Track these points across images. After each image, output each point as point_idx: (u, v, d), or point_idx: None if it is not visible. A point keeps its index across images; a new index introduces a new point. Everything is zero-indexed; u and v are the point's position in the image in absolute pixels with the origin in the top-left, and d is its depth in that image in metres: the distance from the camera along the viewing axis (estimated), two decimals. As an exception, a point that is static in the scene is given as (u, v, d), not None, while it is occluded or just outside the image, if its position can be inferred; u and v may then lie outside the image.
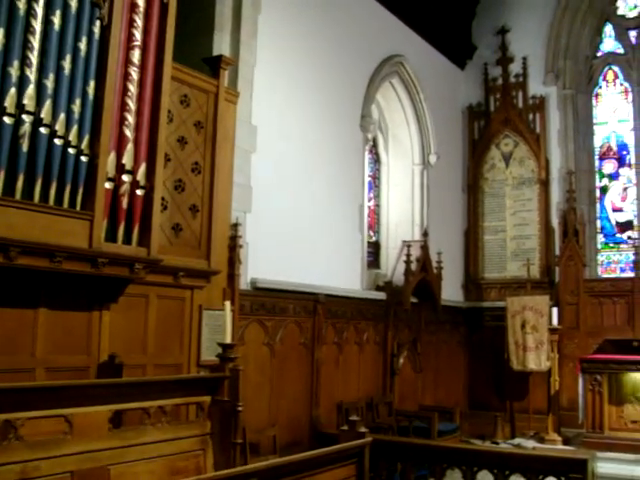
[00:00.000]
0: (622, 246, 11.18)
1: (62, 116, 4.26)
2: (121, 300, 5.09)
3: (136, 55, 4.84)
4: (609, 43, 11.64)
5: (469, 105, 12.04)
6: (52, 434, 3.80)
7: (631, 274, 10.60)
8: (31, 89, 4.08)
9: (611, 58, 11.59)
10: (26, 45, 4.05)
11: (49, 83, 4.18)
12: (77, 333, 4.83)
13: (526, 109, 11.55)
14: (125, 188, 4.72)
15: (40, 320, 4.57)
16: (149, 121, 4.93)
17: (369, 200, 9.90)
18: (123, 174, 4.71)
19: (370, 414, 8.35)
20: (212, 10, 6.79)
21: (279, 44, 7.59)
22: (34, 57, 4.10)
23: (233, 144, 6.57)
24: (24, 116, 4.02)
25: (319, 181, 8.18)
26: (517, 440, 9.64)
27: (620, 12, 11.60)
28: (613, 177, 11.40)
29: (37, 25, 4.12)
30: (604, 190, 11.43)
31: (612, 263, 11.22)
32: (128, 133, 4.76)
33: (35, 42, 4.10)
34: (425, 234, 9.76)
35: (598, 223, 11.35)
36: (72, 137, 4.33)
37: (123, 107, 4.74)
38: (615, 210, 11.31)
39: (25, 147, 4.04)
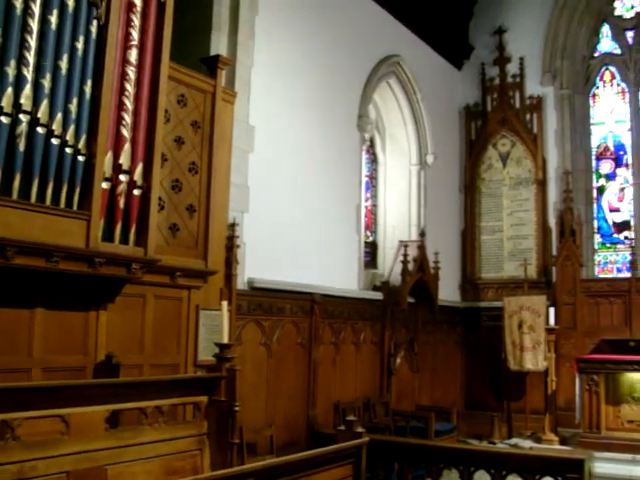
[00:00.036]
0: (619, 246, 11.20)
1: (59, 116, 4.26)
2: (118, 300, 5.08)
3: (133, 54, 4.84)
4: (606, 43, 11.66)
5: (466, 105, 12.04)
6: (49, 434, 3.79)
7: (628, 274, 10.63)
8: (28, 88, 4.07)
9: (608, 58, 11.60)
10: (23, 44, 4.05)
11: (46, 82, 4.18)
12: (74, 333, 4.82)
13: (523, 109, 11.56)
14: (122, 188, 4.72)
15: (37, 320, 4.56)
16: (146, 121, 4.93)
17: (366, 200, 9.90)
18: (120, 174, 4.71)
19: (367, 414, 8.36)
20: (209, 10, 6.80)
21: (276, 44, 7.58)
22: (31, 56, 4.09)
23: (230, 144, 6.56)
24: (21, 116, 4.02)
25: (316, 181, 8.18)
26: (514, 440, 9.64)
27: (617, 12, 11.63)
28: (610, 177, 11.42)
29: (34, 24, 4.11)
30: (601, 190, 11.45)
31: (609, 263, 11.24)
32: (125, 133, 4.75)
33: (32, 41, 4.10)
34: (422, 234, 9.76)
35: (595, 223, 11.38)
36: (69, 137, 4.32)
37: (120, 107, 4.74)
38: (612, 210, 11.33)
39: (22, 147, 4.03)
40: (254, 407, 6.68)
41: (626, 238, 11.10)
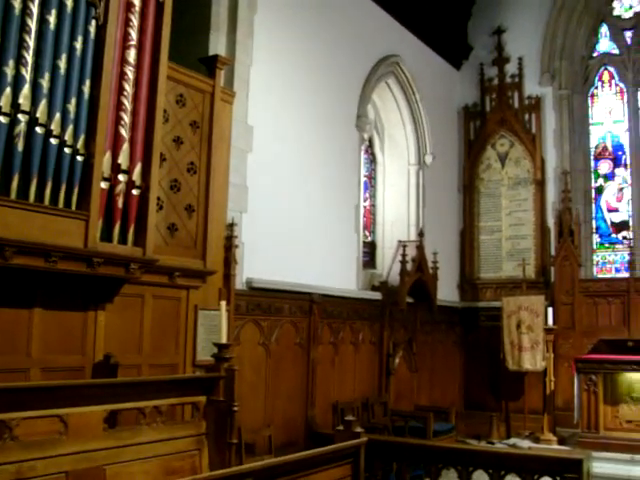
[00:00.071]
0: (617, 246, 11.20)
1: (58, 115, 4.26)
2: (116, 300, 5.08)
3: (132, 54, 4.84)
4: (605, 44, 11.65)
5: (465, 105, 12.05)
6: (47, 434, 3.79)
7: (626, 274, 10.62)
8: (26, 88, 4.07)
9: (607, 59, 11.60)
10: (21, 44, 4.05)
11: (45, 82, 4.17)
12: (72, 333, 4.82)
13: (522, 109, 11.56)
14: (121, 188, 4.72)
15: (35, 320, 4.56)
16: (145, 121, 4.93)
17: (365, 200, 9.90)
18: (119, 174, 4.71)
19: (366, 414, 8.36)
20: (208, 10, 6.79)
21: (275, 44, 7.58)
22: (29, 56, 4.09)
23: (229, 144, 6.56)
24: (19, 115, 4.02)
25: (315, 181, 8.18)
26: (512, 440, 9.66)
27: (616, 13, 11.63)
28: (608, 177, 11.43)
29: (33, 24, 4.11)
30: (599, 190, 11.45)
31: (607, 263, 11.24)
32: (124, 133, 4.75)
33: (31, 41, 4.10)
34: (421, 234, 9.77)
35: (593, 223, 11.37)
36: (68, 136, 4.32)
37: (119, 106, 4.73)
38: (610, 210, 11.33)
39: (20, 147, 4.03)
40: (252, 407, 6.68)
41: (624, 238, 11.10)
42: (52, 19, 4.22)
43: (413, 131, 10.58)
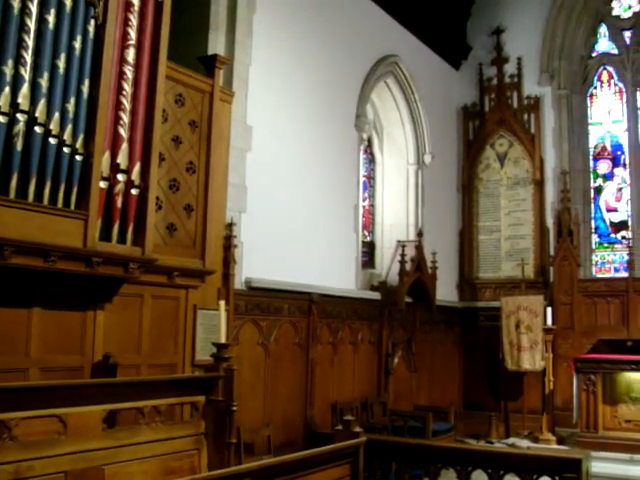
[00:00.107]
0: (616, 246, 11.21)
1: (56, 115, 4.25)
2: (115, 300, 5.08)
3: (131, 54, 4.84)
4: (604, 43, 11.66)
5: (464, 105, 12.05)
6: (46, 434, 3.79)
7: (625, 274, 10.61)
8: (25, 88, 4.07)
9: (606, 58, 11.60)
10: (20, 44, 4.05)
11: (44, 82, 4.17)
12: (71, 333, 4.81)
13: (521, 109, 11.56)
14: (120, 187, 4.71)
15: (34, 320, 4.56)
16: (144, 120, 4.92)
17: (364, 200, 9.90)
18: (118, 173, 4.70)
19: (364, 414, 8.35)
20: (207, 9, 6.79)
21: (274, 44, 7.58)
22: (28, 56, 4.09)
23: (228, 144, 6.56)
24: (18, 115, 4.02)
25: (314, 181, 8.18)
26: (511, 440, 9.66)
27: (615, 12, 11.63)
28: (607, 177, 11.43)
29: (31, 24, 4.11)
30: (598, 190, 11.45)
31: (606, 263, 11.24)
32: (123, 132, 4.75)
33: (29, 41, 4.09)
34: (420, 234, 9.77)
35: (592, 223, 11.37)
36: (67, 136, 4.32)
37: (118, 106, 4.73)
38: (609, 210, 11.34)
39: (19, 146, 4.03)
40: (251, 407, 6.67)
41: (623, 238, 11.11)
42: (51, 19, 4.22)
43: (412, 131, 10.58)
